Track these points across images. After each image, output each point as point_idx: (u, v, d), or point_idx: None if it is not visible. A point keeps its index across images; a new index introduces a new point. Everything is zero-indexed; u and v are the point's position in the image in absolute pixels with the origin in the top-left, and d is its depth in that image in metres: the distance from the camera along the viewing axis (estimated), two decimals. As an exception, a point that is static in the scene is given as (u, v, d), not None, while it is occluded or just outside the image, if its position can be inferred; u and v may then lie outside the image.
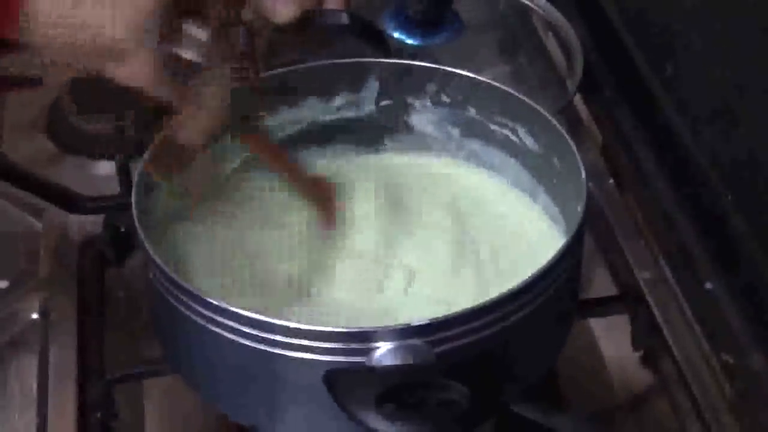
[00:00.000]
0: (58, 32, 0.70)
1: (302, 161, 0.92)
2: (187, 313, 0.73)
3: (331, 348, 0.70)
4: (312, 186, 0.88)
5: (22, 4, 0.69)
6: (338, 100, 0.92)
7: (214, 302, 0.72)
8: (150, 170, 0.81)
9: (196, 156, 0.83)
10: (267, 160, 0.88)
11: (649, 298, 0.92)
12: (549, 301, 0.75)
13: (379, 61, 0.90)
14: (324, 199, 0.88)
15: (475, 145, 0.92)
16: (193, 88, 0.74)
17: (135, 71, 0.71)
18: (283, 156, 0.89)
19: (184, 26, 0.73)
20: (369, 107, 0.92)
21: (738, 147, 0.88)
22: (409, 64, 0.90)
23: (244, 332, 0.71)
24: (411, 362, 0.70)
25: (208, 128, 0.77)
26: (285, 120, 0.91)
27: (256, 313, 0.71)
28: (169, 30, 0.71)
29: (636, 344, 0.92)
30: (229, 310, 0.71)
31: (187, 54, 0.73)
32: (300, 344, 0.70)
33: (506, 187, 0.91)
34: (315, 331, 0.71)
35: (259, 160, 0.88)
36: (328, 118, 0.92)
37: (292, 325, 0.70)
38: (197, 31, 0.73)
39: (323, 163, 0.93)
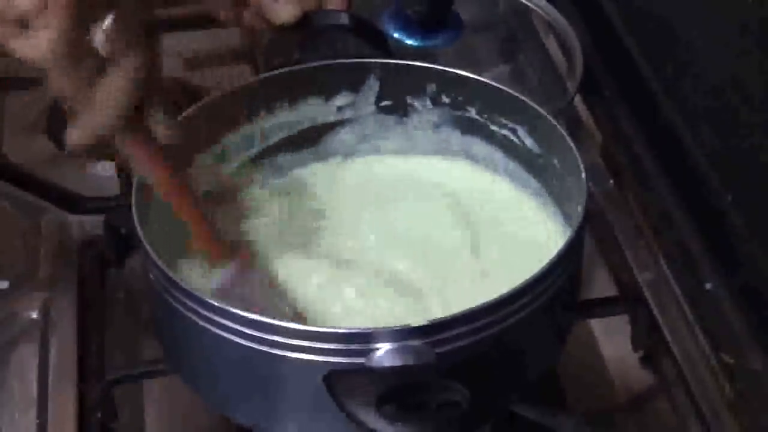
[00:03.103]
0: None
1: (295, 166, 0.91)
2: (187, 313, 0.73)
3: (332, 349, 0.70)
4: (202, 225, 0.82)
5: None
6: (338, 100, 0.92)
7: (214, 303, 0.72)
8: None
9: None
10: (157, 182, 0.79)
11: (649, 298, 0.92)
12: (549, 301, 0.75)
13: (379, 61, 0.90)
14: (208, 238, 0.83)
15: (475, 145, 0.92)
16: (90, 83, 0.70)
17: (35, 46, 0.67)
18: (179, 186, 0.80)
19: (97, 9, 0.69)
20: (369, 107, 0.92)
21: (738, 147, 0.88)
22: (409, 64, 0.90)
23: (244, 333, 0.71)
24: (411, 363, 0.70)
25: (96, 130, 0.72)
26: (285, 120, 0.91)
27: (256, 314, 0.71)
28: (79, 8, 0.67)
29: (636, 344, 0.92)
30: (229, 311, 0.71)
31: (95, 39, 0.69)
32: (300, 345, 0.70)
33: (506, 187, 0.91)
34: (315, 332, 0.71)
35: (139, 172, 0.79)
36: (328, 118, 0.92)
37: (292, 326, 0.70)
38: (108, 17, 0.69)
39: (320, 164, 0.93)
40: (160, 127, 0.75)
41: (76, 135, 0.73)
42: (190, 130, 0.84)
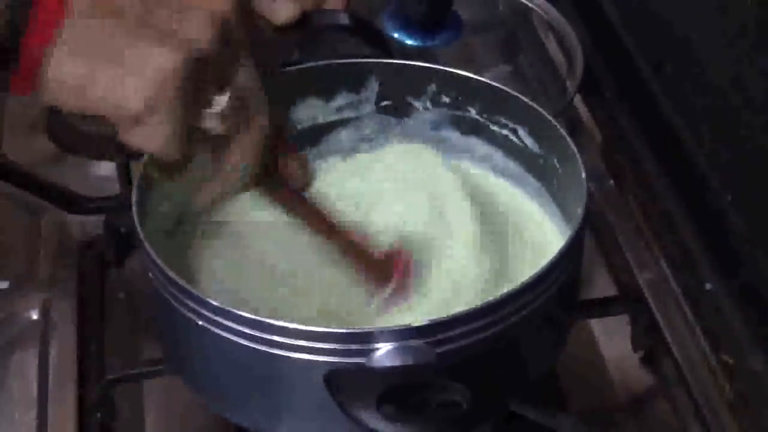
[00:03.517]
0: (73, 98, 0.66)
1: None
2: (187, 314, 0.73)
3: (332, 349, 0.70)
4: (361, 250, 0.82)
5: (39, 67, 0.65)
6: (338, 100, 0.92)
7: (214, 303, 0.72)
8: (151, 172, 0.81)
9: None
10: (304, 220, 0.81)
11: (649, 298, 0.92)
12: (549, 301, 0.75)
13: (379, 61, 0.90)
14: (383, 268, 0.82)
15: (475, 145, 0.92)
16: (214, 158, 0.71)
17: (149, 139, 0.67)
18: (319, 213, 0.81)
19: (206, 96, 0.69)
20: (369, 107, 0.92)
21: (738, 147, 0.88)
22: (409, 64, 0.90)
23: (245, 333, 0.71)
24: (411, 363, 0.70)
25: (223, 197, 0.74)
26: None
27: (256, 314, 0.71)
28: (190, 101, 0.67)
29: (636, 344, 0.92)
30: (229, 311, 0.71)
31: (206, 123, 0.69)
32: (300, 345, 0.70)
33: (506, 187, 0.91)
34: (315, 331, 0.70)
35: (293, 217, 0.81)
36: (328, 118, 0.92)
37: (293, 326, 0.70)
38: (218, 100, 0.69)
39: (321, 163, 0.93)
40: (294, 173, 0.77)
41: (202, 200, 0.74)
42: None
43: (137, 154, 0.85)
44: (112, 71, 0.65)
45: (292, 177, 0.77)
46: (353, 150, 0.94)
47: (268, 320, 0.71)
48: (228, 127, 0.70)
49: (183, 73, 0.65)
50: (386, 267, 0.82)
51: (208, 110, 0.69)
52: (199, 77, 0.66)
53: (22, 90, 0.67)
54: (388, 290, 0.81)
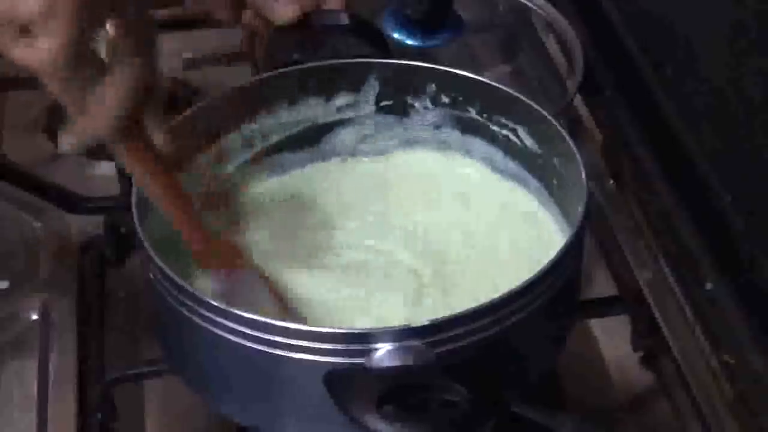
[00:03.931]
0: None
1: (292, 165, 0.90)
2: (187, 314, 0.73)
3: (331, 349, 0.70)
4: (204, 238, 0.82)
5: None
6: (338, 100, 0.92)
7: (214, 303, 0.72)
8: None
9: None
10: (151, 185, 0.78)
11: (649, 298, 0.92)
12: (549, 301, 0.75)
13: (379, 61, 0.90)
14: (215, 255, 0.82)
15: (475, 145, 0.92)
16: (88, 89, 0.69)
17: (38, 52, 0.66)
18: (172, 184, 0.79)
19: (100, 16, 0.68)
20: (369, 107, 0.92)
21: (738, 147, 0.88)
22: (409, 64, 0.90)
23: (244, 333, 0.71)
24: (411, 363, 0.70)
25: (90, 136, 0.71)
26: (284, 120, 0.91)
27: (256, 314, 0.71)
28: (86, 15, 0.66)
29: (636, 344, 0.92)
30: (229, 312, 0.71)
31: (97, 46, 0.68)
32: (300, 345, 0.70)
33: (506, 187, 0.91)
34: (315, 332, 0.71)
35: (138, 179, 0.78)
36: (328, 118, 0.92)
37: (292, 326, 0.70)
38: (112, 24, 0.68)
39: (320, 164, 0.93)
40: (157, 134, 0.75)
41: (69, 138, 0.72)
42: (190, 130, 0.84)
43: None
44: None
45: (153, 137, 0.75)
46: (353, 150, 0.94)
47: (268, 320, 0.71)
48: (112, 56, 0.68)
49: None
50: (222, 253, 0.82)
51: (99, 33, 0.68)
52: None
53: None
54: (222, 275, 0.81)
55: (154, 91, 0.73)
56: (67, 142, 0.72)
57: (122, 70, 0.70)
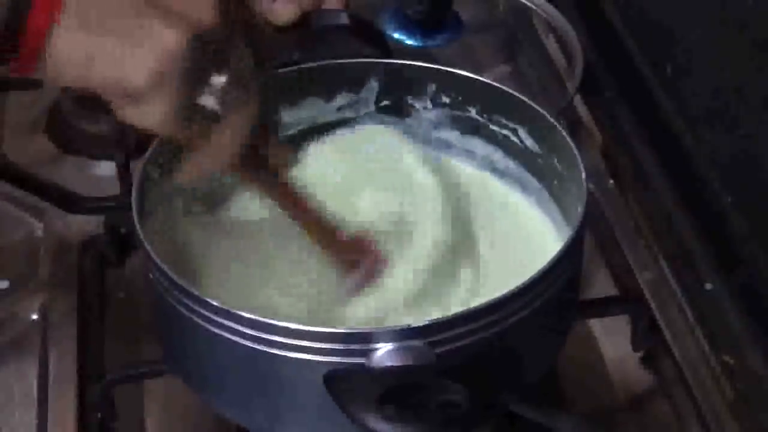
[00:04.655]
0: (76, 73, 0.68)
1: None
2: (187, 313, 0.73)
3: (331, 349, 0.70)
4: (336, 237, 0.84)
5: (41, 46, 0.66)
6: (338, 100, 0.92)
7: (214, 303, 0.72)
8: (151, 171, 0.81)
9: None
10: (284, 206, 0.84)
11: (649, 298, 0.92)
12: (549, 301, 0.75)
13: (379, 61, 0.90)
14: (352, 251, 0.83)
15: (474, 145, 0.92)
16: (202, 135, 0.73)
17: (148, 116, 0.70)
18: (301, 202, 0.83)
19: (206, 75, 0.71)
20: (369, 107, 0.92)
21: (738, 147, 0.88)
22: (409, 64, 0.90)
23: (244, 333, 0.71)
24: (411, 363, 0.70)
25: (207, 172, 0.78)
26: (284, 120, 0.91)
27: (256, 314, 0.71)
28: (190, 79, 0.69)
29: (636, 344, 0.92)
30: (229, 311, 0.71)
31: (206, 101, 0.71)
32: (300, 345, 0.70)
33: (506, 187, 0.91)
34: (315, 332, 0.71)
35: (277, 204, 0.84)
36: (328, 118, 0.92)
37: (292, 326, 0.70)
38: (216, 80, 0.71)
39: (320, 163, 0.93)
40: (274, 154, 0.80)
41: (186, 174, 0.77)
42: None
43: (137, 154, 0.86)
44: (118, 46, 0.67)
45: (273, 162, 0.80)
46: (353, 150, 0.93)
47: (268, 320, 0.71)
48: (222, 107, 0.71)
49: (187, 51, 0.68)
50: (356, 250, 0.83)
51: (207, 89, 0.71)
52: (200, 55, 0.69)
53: (24, 69, 0.68)
54: (359, 273, 0.82)
55: (264, 126, 0.77)
56: (183, 176, 0.77)
57: (234, 117, 0.73)
